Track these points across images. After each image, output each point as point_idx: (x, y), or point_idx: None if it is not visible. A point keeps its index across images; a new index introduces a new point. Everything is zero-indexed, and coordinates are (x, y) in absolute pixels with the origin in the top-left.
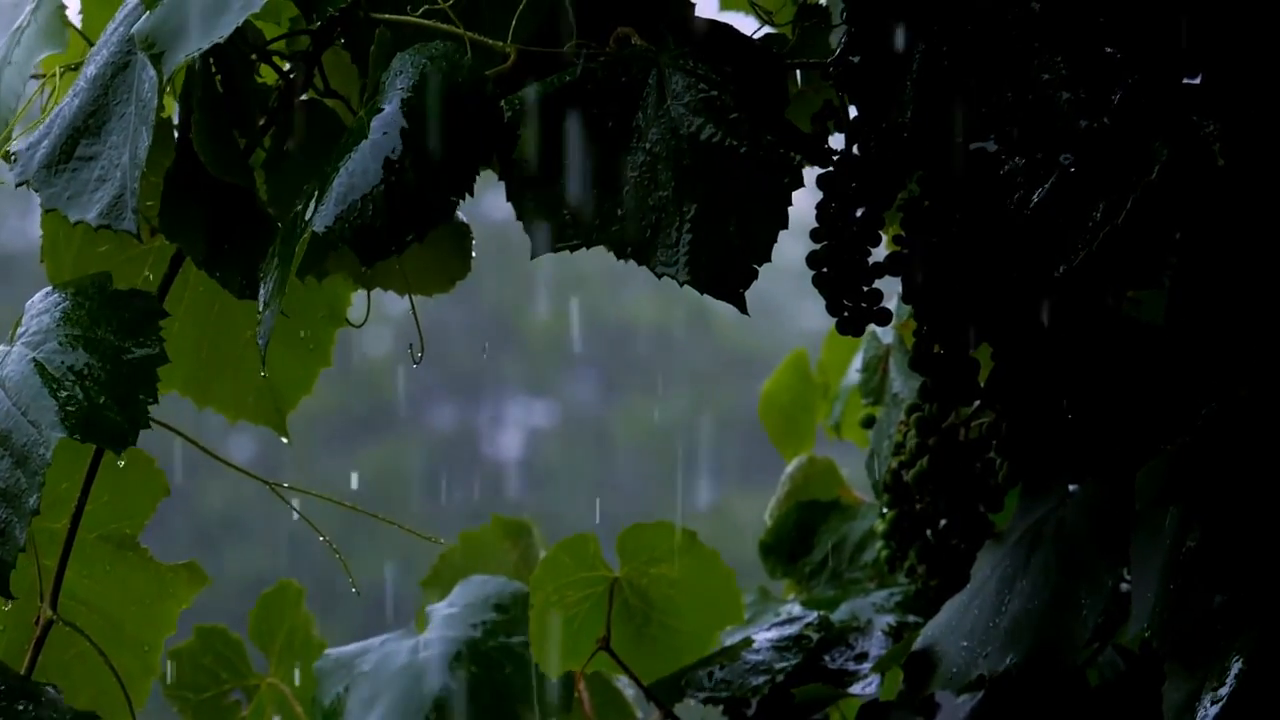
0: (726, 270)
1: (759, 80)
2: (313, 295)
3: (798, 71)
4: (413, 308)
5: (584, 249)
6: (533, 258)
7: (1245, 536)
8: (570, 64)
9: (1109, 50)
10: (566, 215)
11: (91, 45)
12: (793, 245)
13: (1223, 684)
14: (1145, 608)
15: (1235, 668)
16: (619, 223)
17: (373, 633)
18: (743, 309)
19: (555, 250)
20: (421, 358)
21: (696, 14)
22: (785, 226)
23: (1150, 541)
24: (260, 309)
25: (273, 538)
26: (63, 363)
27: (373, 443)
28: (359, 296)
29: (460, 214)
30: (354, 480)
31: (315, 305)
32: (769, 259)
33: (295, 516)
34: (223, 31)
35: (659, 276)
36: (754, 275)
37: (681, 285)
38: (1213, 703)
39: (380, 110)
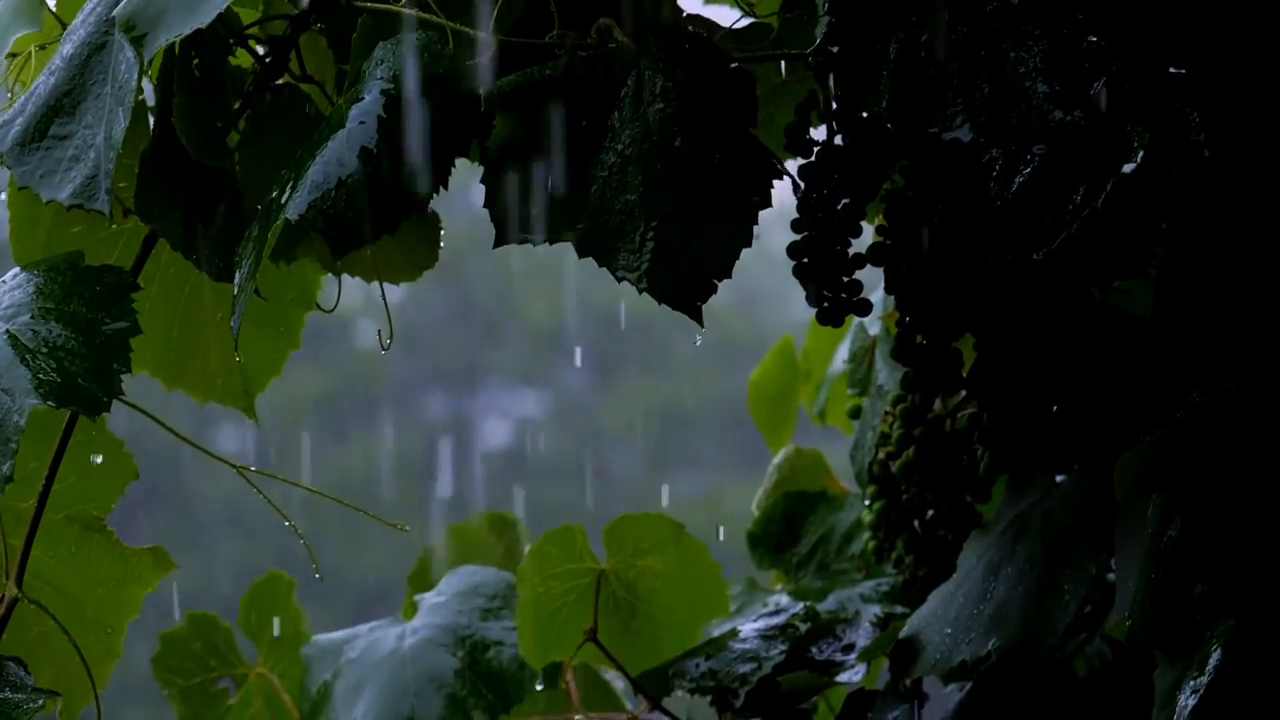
0: (686, 282)
1: (731, 96)
2: (282, 278)
3: (781, 63)
4: (383, 295)
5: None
6: (495, 246)
7: (1225, 526)
8: (551, 55)
9: (1092, 40)
10: (533, 208)
11: (64, 25)
12: (783, 234)
13: (1202, 673)
14: (1127, 596)
15: (1214, 658)
16: (584, 221)
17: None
18: (699, 321)
19: (519, 242)
20: (390, 344)
21: (679, 9)
22: (749, 244)
23: (1133, 530)
24: (235, 292)
25: (272, 528)
26: (36, 334)
27: (363, 433)
28: (330, 280)
29: (431, 203)
30: (343, 470)
31: (285, 288)
32: (729, 275)
33: (290, 506)
34: (205, 16)
35: (618, 280)
36: (713, 289)
37: (640, 293)
38: (1193, 692)
39: (360, 99)
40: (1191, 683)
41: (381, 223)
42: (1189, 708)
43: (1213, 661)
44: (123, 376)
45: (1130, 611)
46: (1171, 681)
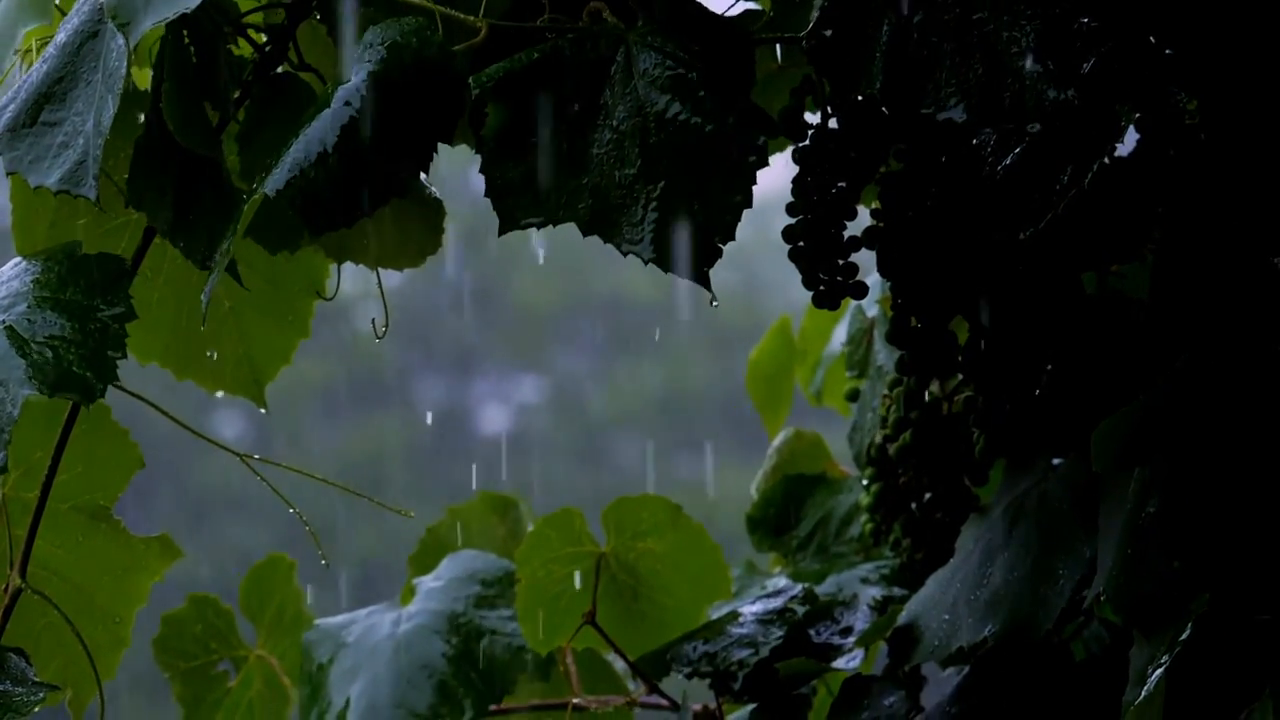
0: (691, 249)
1: (726, 59)
2: (291, 268)
3: (778, 46)
4: (379, 282)
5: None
6: (500, 234)
7: (1202, 503)
8: (541, 39)
9: (1084, 20)
10: (533, 192)
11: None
12: (784, 219)
13: (1172, 652)
14: (1104, 573)
15: (1186, 635)
16: (585, 200)
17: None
18: (708, 288)
19: (522, 227)
20: (386, 331)
21: None
22: (750, 206)
23: (1115, 506)
24: (212, 268)
25: (276, 513)
26: (31, 324)
27: (363, 418)
28: (342, 269)
29: (434, 189)
30: (344, 455)
31: (293, 277)
32: (733, 238)
33: (291, 491)
34: (189, 2)
35: (624, 255)
36: (718, 254)
37: (646, 264)
38: (1160, 667)
39: (346, 81)
40: (1162, 660)
41: (359, 204)
42: (1150, 686)
43: (1183, 639)
44: (124, 364)
45: (1106, 588)
46: (1146, 659)
